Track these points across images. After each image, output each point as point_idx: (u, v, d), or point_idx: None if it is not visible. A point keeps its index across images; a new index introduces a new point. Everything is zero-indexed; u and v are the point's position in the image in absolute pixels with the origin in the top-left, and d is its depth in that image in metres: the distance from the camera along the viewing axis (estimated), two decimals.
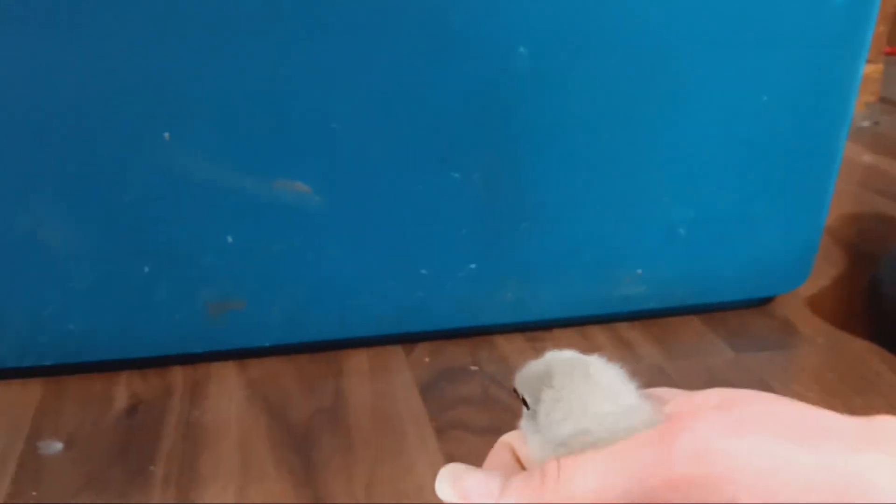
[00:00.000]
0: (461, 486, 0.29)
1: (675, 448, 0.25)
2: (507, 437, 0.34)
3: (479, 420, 0.66)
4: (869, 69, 1.38)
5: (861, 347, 0.76)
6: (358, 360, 0.74)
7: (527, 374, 0.32)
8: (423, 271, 0.72)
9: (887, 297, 0.75)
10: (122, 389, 0.70)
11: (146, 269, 0.67)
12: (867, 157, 1.24)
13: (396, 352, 0.75)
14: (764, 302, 0.84)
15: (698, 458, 0.25)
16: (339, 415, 0.66)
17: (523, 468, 0.32)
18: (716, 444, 0.25)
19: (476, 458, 0.62)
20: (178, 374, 0.71)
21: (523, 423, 0.31)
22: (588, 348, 0.78)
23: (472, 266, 0.73)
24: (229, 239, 0.67)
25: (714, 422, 0.26)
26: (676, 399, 0.29)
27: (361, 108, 0.65)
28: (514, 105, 0.68)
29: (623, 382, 0.30)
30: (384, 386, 0.70)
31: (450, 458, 0.61)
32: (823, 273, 0.89)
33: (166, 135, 0.63)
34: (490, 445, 0.66)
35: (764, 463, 0.25)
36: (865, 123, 1.37)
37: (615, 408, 0.29)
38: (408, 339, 0.76)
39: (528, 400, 0.31)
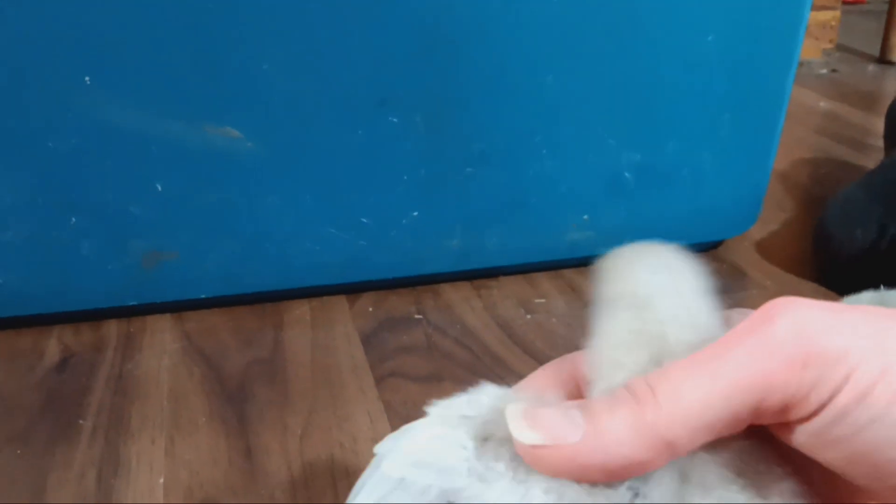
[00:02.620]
0: (541, 424, 0.24)
1: (776, 331, 0.23)
2: (560, 363, 0.30)
3: (419, 369, 0.65)
4: (826, 16, 1.37)
5: (809, 290, 0.76)
6: (299, 312, 0.72)
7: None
8: (365, 220, 0.70)
9: (833, 239, 0.75)
10: (54, 344, 0.68)
11: (73, 220, 0.65)
12: (823, 104, 1.23)
13: (340, 302, 0.74)
14: (712, 246, 0.83)
15: (803, 337, 0.22)
16: (276, 366, 0.65)
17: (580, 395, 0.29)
18: (818, 322, 0.23)
19: (413, 407, 0.61)
20: (111, 328, 0.69)
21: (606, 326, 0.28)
22: (535, 295, 0.78)
23: (415, 214, 0.71)
24: (158, 187, 0.65)
25: (810, 303, 0.23)
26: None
27: (293, 48, 0.62)
28: (456, 45, 0.66)
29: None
30: (325, 337, 0.69)
31: (388, 407, 0.60)
32: (773, 217, 0.88)
33: (87, 79, 0.60)
34: (430, 394, 0.65)
35: (873, 337, 0.22)
36: (823, 71, 1.36)
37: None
38: (352, 290, 0.75)
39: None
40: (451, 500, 0.25)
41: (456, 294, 0.75)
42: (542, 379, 0.31)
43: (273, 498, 0.52)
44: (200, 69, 0.61)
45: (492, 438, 0.25)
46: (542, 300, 0.74)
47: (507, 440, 0.25)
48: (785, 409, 0.23)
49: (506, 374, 0.64)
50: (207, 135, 0.64)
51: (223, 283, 0.70)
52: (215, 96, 0.63)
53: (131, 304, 0.69)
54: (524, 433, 0.24)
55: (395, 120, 0.67)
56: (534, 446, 0.24)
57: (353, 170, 0.68)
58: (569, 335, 0.69)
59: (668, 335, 0.26)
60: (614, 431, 0.23)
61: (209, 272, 0.69)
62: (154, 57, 0.61)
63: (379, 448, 0.27)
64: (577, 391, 0.30)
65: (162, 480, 0.53)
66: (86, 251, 0.66)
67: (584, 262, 0.79)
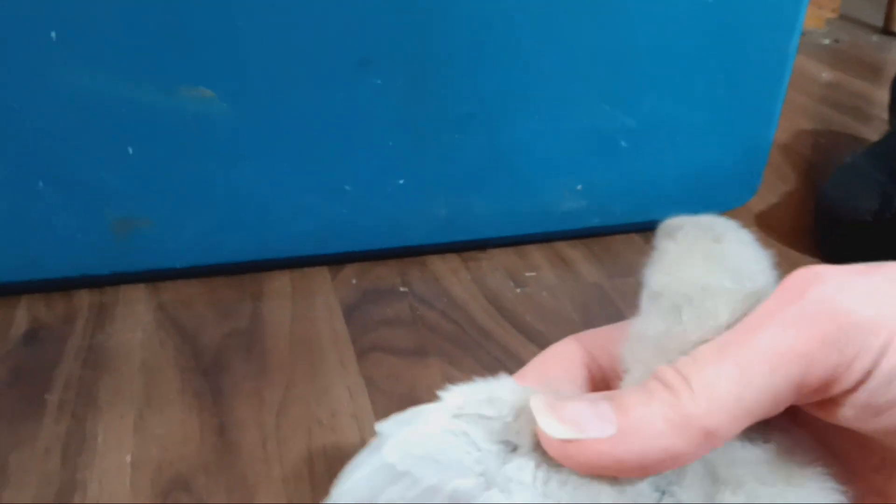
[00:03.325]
0: (571, 418, 0.23)
1: (806, 306, 0.22)
2: (579, 340, 0.29)
3: (403, 342, 0.62)
4: None
5: (809, 263, 0.73)
6: (279, 283, 0.69)
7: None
8: (347, 187, 0.67)
9: (835, 210, 0.72)
10: (23, 314, 0.65)
11: (41, 186, 0.62)
12: (826, 74, 1.20)
13: (322, 273, 0.71)
14: None
15: (837, 309, 0.21)
16: (254, 338, 0.62)
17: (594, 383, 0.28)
18: (848, 292, 0.22)
19: (396, 381, 0.58)
20: (83, 299, 0.66)
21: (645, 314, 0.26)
22: (525, 267, 0.75)
23: (400, 181, 0.68)
24: (129, 151, 0.62)
25: (835, 272, 0.22)
26: None
27: (270, 3, 0.59)
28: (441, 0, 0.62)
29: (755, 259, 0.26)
30: (305, 308, 0.66)
31: (369, 382, 0.58)
32: (774, 189, 0.85)
33: (53, 34, 0.57)
34: (413, 367, 0.62)
35: None
36: (826, 41, 1.33)
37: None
38: (334, 261, 0.72)
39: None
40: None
41: (443, 266, 0.73)
42: (549, 364, 0.29)
43: (246, 476, 0.50)
44: (172, 26, 0.58)
45: (516, 447, 0.23)
46: (533, 273, 0.72)
47: (533, 449, 0.23)
48: (827, 384, 0.22)
49: (494, 349, 0.61)
50: (180, 97, 0.61)
51: (199, 253, 0.67)
52: (188, 55, 0.59)
53: (103, 273, 0.66)
54: (554, 427, 0.23)
55: (377, 81, 0.63)
56: (565, 441, 0.22)
57: (333, 134, 0.65)
58: (559, 309, 0.66)
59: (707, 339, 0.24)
60: (651, 424, 0.22)
61: (184, 241, 0.66)
62: (123, 14, 0.57)
63: (382, 427, 0.24)
64: (588, 377, 0.28)
65: (129, 458, 0.51)
66: (54, 219, 0.63)
67: (576, 234, 0.76)
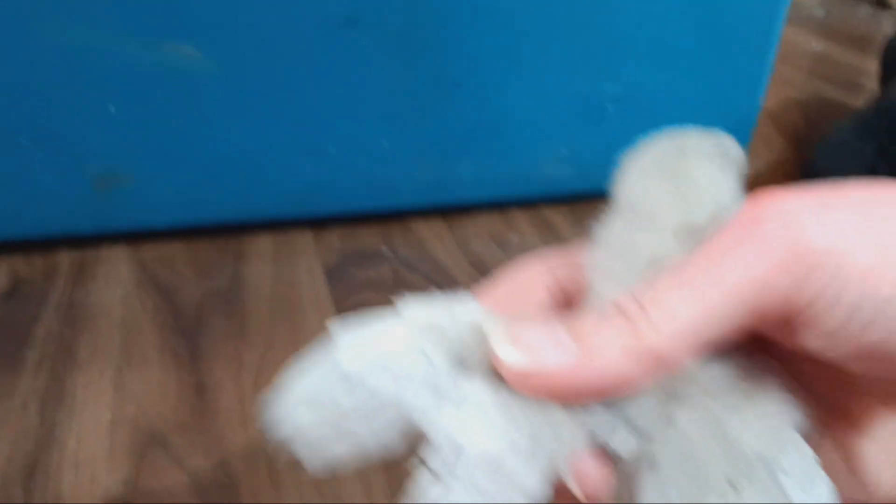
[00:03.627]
0: (527, 344, 0.22)
1: (766, 233, 0.21)
2: (543, 262, 0.28)
3: (386, 305, 0.62)
4: None
5: None
6: (262, 244, 0.69)
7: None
8: (331, 148, 0.67)
9: (822, 180, 0.72)
10: (3, 271, 0.64)
11: (22, 141, 0.61)
12: (816, 45, 1.19)
13: (304, 235, 0.71)
14: None
15: (798, 239, 0.21)
16: (234, 299, 0.62)
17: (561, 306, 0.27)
18: (810, 220, 0.21)
19: None
20: (64, 257, 0.66)
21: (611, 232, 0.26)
22: (509, 231, 0.75)
23: (384, 143, 0.68)
24: (111, 109, 0.61)
25: (797, 199, 0.22)
26: None
27: None
28: None
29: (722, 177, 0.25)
30: (287, 270, 0.66)
31: None
32: (761, 157, 0.85)
33: None
34: None
35: (868, 226, 0.21)
36: (816, 12, 1.32)
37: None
38: (318, 223, 0.72)
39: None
40: (409, 417, 0.22)
41: (427, 229, 0.72)
42: (511, 285, 0.28)
43: (224, 437, 0.50)
44: None
45: (467, 360, 0.23)
46: (517, 236, 0.72)
47: (485, 364, 0.23)
48: (787, 313, 0.21)
49: None
50: (164, 53, 0.60)
51: (181, 212, 0.66)
52: (172, 11, 0.58)
53: (85, 231, 0.66)
54: (509, 354, 0.22)
55: (364, 41, 0.63)
56: (519, 368, 0.22)
57: (317, 94, 0.64)
58: None
59: (669, 248, 0.24)
60: (607, 352, 0.22)
61: (166, 199, 0.65)
62: None
63: (336, 331, 0.23)
64: (550, 298, 0.28)
65: (108, 415, 0.51)
66: (35, 174, 0.62)
67: (561, 200, 0.76)
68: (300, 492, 0.47)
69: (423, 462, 0.22)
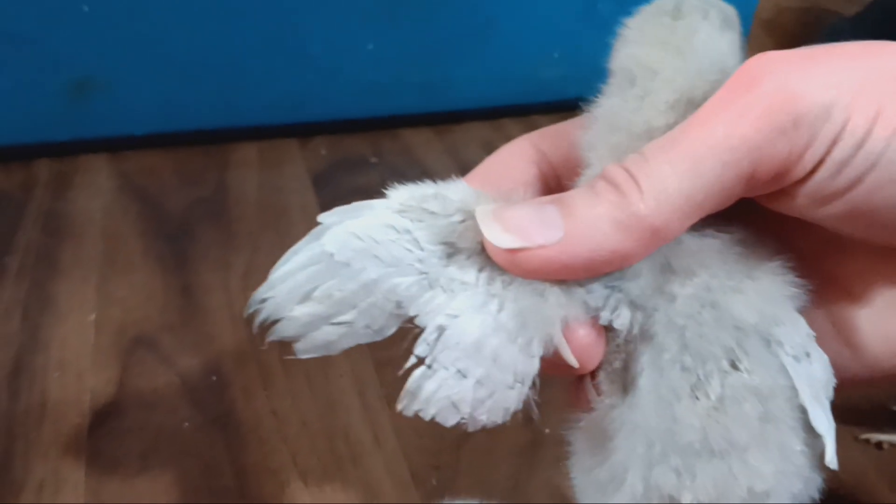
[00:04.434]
0: (516, 225, 0.21)
1: (760, 95, 0.20)
2: (530, 139, 0.27)
3: None
4: None
5: None
6: (247, 153, 0.67)
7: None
8: (314, 51, 0.65)
9: None
10: None
11: None
12: None
13: (290, 144, 0.69)
14: None
15: (790, 97, 0.20)
16: (220, 206, 0.61)
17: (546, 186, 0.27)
18: (803, 78, 0.20)
19: None
20: (42, 167, 0.64)
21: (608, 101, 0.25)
22: (501, 139, 0.73)
23: (370, 47, 0.66)
24: (85, 8, 0.58)
25: (789, 57, 0.21)
26: None
27: None
28: None
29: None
30: (273, 178, 0.64)
31: None
32: None
33: None
34: None
35: (862, 79, 0.20)
36: None
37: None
38: (303, 132, 0.70)
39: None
40: (398, 302, 0.22)
41: (416, 137, 0.71)
42: (498, 166, 0.27)
43: (213, 336, 0.49)
44: None
45: (456, 244, 0.22)
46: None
47: (478, 253, 0.22)
48: (778, 175, 0.21)
49: None
50: None
51: (161, 119, 0.64)
52: None
53: (61, 139, 0.64)
54: (499, 236, 0.22)
55: None
56: (510, 250, 0.21)
57: None
58: None
59: (668, 118, 0.23)
60: (598, 227, 0.21)
61: (145, 106, 0.63)
62: None
63: (324, 218, 0.23)
64: (538, 175, 0.27)
65: (93, 317, 0.50)
66: (7, 81, 0.60)
67: (555, 108, 0.74)
68: (292, 394, 0.46)
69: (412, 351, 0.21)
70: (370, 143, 0.69)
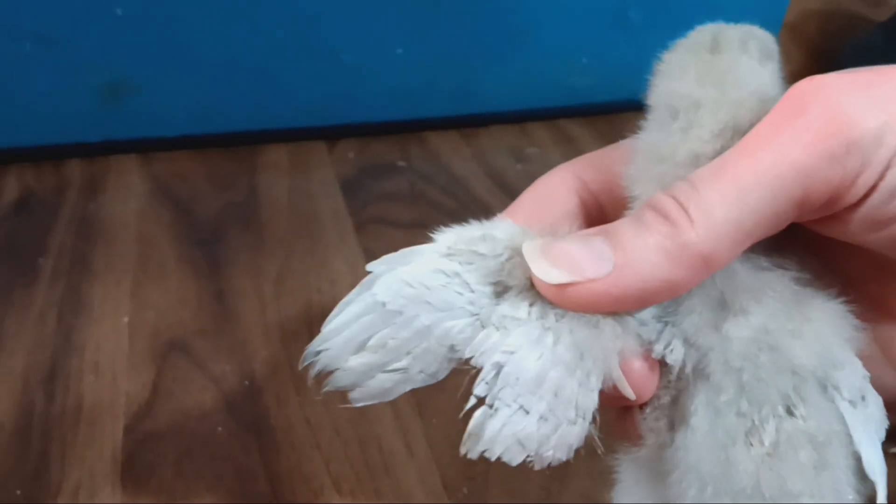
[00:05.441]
0: (564, 260, 0.21)
1: (810, 121, 0.20)
2: (570, 168, 0.27)
3: (403, 215, 0.61)
4: None
5: None
6: (276, 156, 0.68)
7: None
8: (344, 56, 0.65)
9: None
10: (12, 182, 0.63)
11: (27, 48, 0.59)
12: None
13: (319, 147, 0.69)
14: None
15: (841, 124, 0.20)
16: (251, 210, 0.61)
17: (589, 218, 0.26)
18: (852, 104, 0.20)
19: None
20: (74, 168, 0.64)
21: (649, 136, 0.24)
22: (528, 144, 0.73)
23: (399, 51, 0.66)
24: (118, 12, 0.59)
25: (838, 82, 0.21)
26: None
27: None
28: None
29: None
30: (303, 182, 0.65)
31: (369, 253, 0.57)
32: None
33: None
34: (414, 239, 0.61)
35: None
36: None
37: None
38: (332, 134, 0.70)
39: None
40: (452, 346, 0.22)
41: (443, 142, 0.71)
42: (540, 198, 0.27)
43: (246, 341, 0.49)
44: None
45: (509, 287, 0.22)
46: (536, 149, 0.70)
47: (527, 289, 0.22)
48: (832, 200, 0.21)
49: None
50: None
51: (191, 121, 0.65)
52: None
53: (93, 140, 0.64)
54: (548, 272, 0.21)
55: None
56: (560, 285, 0.21)
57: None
58: None
59: (712, 147, 0.23)
60: (649, 258, 0.21)
61: (176, 108, 0.64)
62: None
63: (374, 266, 0.23)
64: (580, 205, 0.27)
65: (127, 320, 0.50)
66: (41, 82, 0.61)
67: (581, 112, 0.74)
68: (325, 401, 0.46)
69: (471, 392, 0.21)
70: (398, 146, 0.70)
